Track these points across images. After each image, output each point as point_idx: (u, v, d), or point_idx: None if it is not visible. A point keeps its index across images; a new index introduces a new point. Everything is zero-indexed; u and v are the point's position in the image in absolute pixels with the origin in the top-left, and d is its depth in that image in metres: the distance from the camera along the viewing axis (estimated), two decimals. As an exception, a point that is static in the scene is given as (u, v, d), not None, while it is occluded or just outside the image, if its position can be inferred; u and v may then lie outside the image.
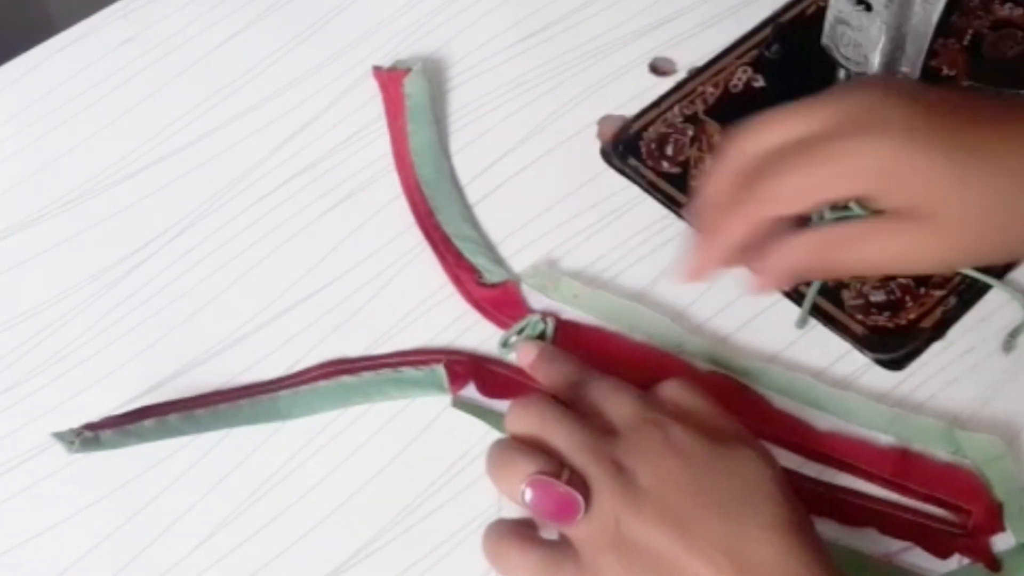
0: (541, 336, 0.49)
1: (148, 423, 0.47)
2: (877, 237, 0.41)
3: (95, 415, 0.48)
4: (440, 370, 0.48)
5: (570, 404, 0.44)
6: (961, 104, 0.41)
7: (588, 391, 0.44)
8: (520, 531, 0.42)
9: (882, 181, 0.39)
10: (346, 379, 0.49)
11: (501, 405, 0.48)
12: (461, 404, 0.48)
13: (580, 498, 0.39)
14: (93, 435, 0.46)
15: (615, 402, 0.42)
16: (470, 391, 0.48)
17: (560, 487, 0.39)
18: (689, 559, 0.37)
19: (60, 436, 0.46)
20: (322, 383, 0.49)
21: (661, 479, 0.39)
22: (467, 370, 0.49)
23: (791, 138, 0.41)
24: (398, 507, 0.46)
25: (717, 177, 0.44)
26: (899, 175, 0.39)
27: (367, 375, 0.49)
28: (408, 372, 0.49)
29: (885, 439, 0.46)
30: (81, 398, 0.50)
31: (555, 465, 0.40)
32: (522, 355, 0.48)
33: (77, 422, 0.48)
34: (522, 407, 0.43)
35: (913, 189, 0.39)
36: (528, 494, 0.40)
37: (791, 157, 0.41)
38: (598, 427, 0.42)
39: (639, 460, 0.40)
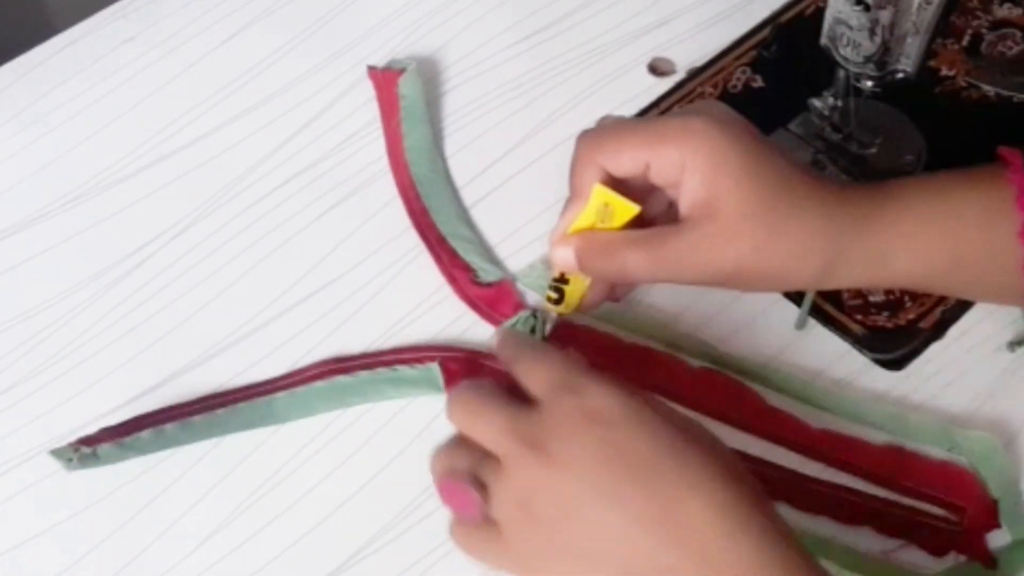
0: (533, 332, 0.49)
1: (145, 435, 0.47)
2: (660, 242, 0.42)
3: (95, 415, 0.48)
4: (435, 368, 0.48)
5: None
6: (781, 154, 0.43)
7: (517, 363, 0.42)
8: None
9: (686, 149, 0.41)
10: (342, 379, 0.49)
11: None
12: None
13: (476, 495, 0.39)
14: (91, 450, 0.46)
15: (536, 373, 0.41)
16: (466, 389, 0.48)
17: (460, 486, 0.39)
18: (612, 526, 0.36)
19: (58, 453, 0.46)
20: (318, 383, 0.49)
21: (577, 453, 0.38)
22: (462, 367, 0.49)
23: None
24: (397, 508, 0.46)
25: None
26: (702, 151, 0.41)
27: (363, 374, 0.49)
28: (404, 371, 0.49)
29: (881, 437, 0.46)
30: (81, 398, 0.50)
31: (466, 463, 0.40)
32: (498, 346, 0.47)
33: (77, 422, 0.48)
34: (452, 400, 0.42)
35: (707, 170, 0.41)
36: (441, 495, 0.40)
37: (629, 123, 0.44)
38: (520, 403, 0.40)
39: (554, 435, 0.38)
